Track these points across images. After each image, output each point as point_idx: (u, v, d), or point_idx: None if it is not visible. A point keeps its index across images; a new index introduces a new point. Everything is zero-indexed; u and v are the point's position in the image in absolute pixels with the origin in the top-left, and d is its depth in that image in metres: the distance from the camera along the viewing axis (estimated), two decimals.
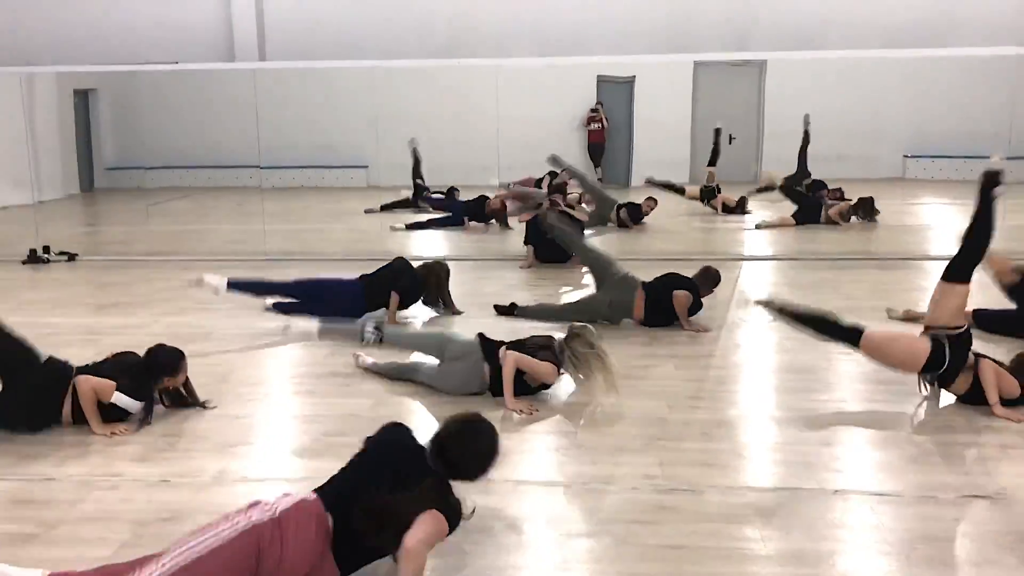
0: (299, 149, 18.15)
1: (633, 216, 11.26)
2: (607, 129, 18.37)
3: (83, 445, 4.44)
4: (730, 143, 18.14)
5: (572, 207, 9.56)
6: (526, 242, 9.21)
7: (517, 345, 5.05)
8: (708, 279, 6.74)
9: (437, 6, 9.45)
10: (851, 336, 4.86)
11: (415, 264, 7.09)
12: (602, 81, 18.04)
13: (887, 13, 12.93)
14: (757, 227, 12.24)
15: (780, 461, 4.25)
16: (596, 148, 18.24)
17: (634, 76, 18.04)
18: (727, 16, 12.37)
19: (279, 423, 4.83)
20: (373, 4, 9.50)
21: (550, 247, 9.16)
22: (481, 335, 5.25)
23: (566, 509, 3.77)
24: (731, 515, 3.66)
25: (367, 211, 14.30)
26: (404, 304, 6.86)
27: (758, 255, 10.25)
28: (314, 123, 18.08)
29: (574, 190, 11.63)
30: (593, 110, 18.28)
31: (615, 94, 18.27)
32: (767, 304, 5.31)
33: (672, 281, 6.64)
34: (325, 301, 6.60)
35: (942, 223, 12.29)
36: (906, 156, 17.54)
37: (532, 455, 4.35)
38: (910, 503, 3.77)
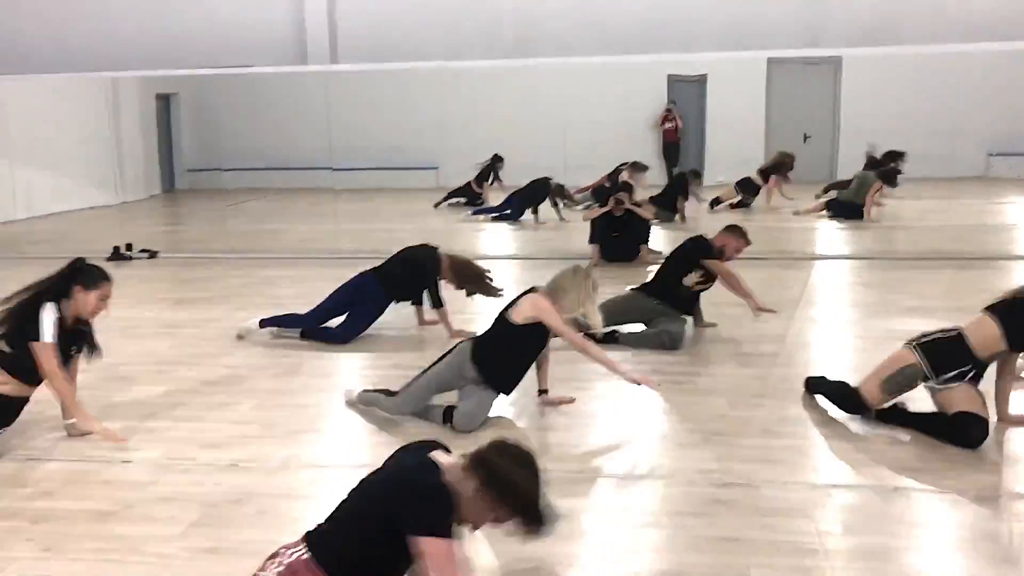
0: (371, 151, 18.47)
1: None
2: (680, 128, 18.24)
3: (158, 431, 4.64)
4: (804, 142, 17.89)
5: (639, 205, 9.53)
6: (591, 241, 9.24)
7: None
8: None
9: (504, 6, 9.53)
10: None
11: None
12: (673, 80, 17.96)
13: (964, 5, 12.56)
14: (795, 213, 12.74)
15: (841, 458, 4.21)
16: (671, 147, 18.13)
17: (706, 74, 17.89)
18: (798, 11, 12.16)
19: (344, 413, 4.96)
20: (440, 5, 9.63)
21: (616, 245, 9.19)
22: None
23: (621, 501, 3.80)
24: (788, 509, 3.64)
25: (436, 205, 14.55)
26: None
27: (829, 254, 10.10)
28: (385, 125, 18.38)
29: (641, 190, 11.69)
30: (667, 109, 18.18)
31: (687, 93, 18.15)
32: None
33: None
34: (353, 312, 6.39)
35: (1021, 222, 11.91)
36: (990, 154, 17.04)
37: (587, 448, 4.39)
38: (972, 501, 3.70)
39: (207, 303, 7.81)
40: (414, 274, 6.44)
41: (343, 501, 2.80)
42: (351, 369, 5.83)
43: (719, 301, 6.66)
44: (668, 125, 18.10)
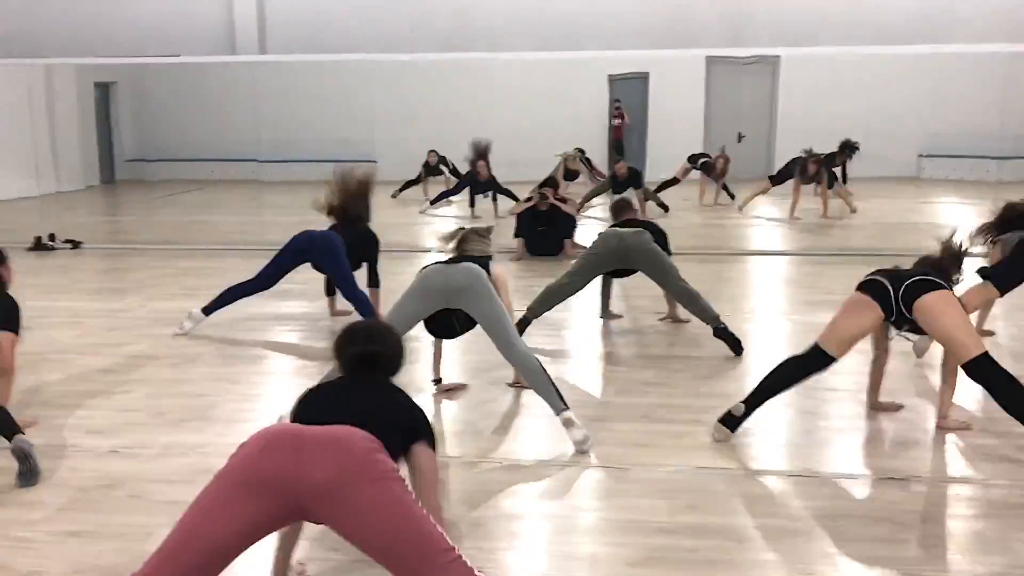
0: (311, 143, 18.37)
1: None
2: (627, 125, 18.36)
3: (45, 419, 4.63)
4: (739, 141, 18.15)
5: (564, 200, 9.63)
6: (516, 235, 9.32)
7: None
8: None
9: (437, 0, 9.60)
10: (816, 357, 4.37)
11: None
12: (614, 79, 18.10)
13: (881, 8, 12.90)
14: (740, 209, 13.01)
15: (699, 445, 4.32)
16: (618, 144, 18.28)
17: (648, 72, 18.05)
18: (727, 10, 12.39)
19: (234, 402, 4.98)
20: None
21: (541, 239, 9.29)
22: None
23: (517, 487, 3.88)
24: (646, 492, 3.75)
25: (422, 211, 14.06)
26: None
27: (750, 250, 10.29)
28: (326, 117, 18.30)
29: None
30: (615, 107, 18.24)
31: (629, 91, 18.30)
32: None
33: None
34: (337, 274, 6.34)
35: (942, 221, 12.09)
36: (921, 155, 17.42)
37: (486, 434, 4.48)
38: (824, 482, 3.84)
39: (120, 293, 7.78)
40: (360, 244, 6.47)
41: None
42: (250, 359, 5.84)
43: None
44: (616, 122, 18.23)
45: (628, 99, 18.33)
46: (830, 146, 17.41)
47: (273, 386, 5.37)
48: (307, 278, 6.80)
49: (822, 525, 3.44)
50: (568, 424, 4.17)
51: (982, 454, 4.13)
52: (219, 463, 2.51)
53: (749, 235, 11.57)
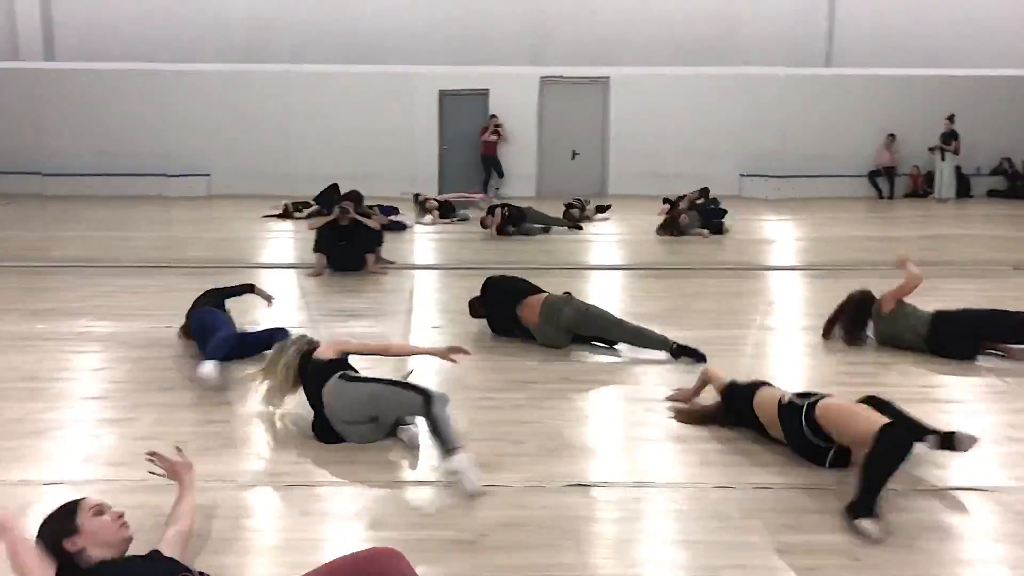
0: (131, 156, 17.63)
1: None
2: (503, 140, 18.20)
3: None
4: (572, 159, 18.53)
5: (368, 215, 9.49)
6: (316, 249, 9.13)
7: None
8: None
9: (235, 11, 9.33)
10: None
11: None
12: (445, 95, 18.10)
13: (675, 32, 13.46)
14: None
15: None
16: (488, 159, 18.24)
17: (487, 89, 18.17)
18: (523, 30, 12.63)
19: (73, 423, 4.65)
20: (168, 7, 9.31)
21: (343, 254, 9.10)
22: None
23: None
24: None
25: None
26: None
27: (605, 264, 10.36)
28: (148, 130, 17.58)
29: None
30: (494, 122, 18.12)
31: (465, 108, 18.33)
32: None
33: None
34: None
35: (764, 237, 12.53)
36: (742, 175, 18.16)
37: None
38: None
39: None
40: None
41: None
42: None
43: None
44: (492, 138, 18.12)
45: (466, 116, 18.36)
46: (659, 164, 18.03)
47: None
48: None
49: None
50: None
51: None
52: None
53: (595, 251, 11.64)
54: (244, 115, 17.47)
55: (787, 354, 6.34)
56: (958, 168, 17.86)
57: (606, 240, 12.14)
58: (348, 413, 4.35)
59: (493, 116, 18.00)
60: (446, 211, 13.73)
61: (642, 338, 6.00)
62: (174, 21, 10.31)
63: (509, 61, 15.25)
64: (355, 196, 9.44)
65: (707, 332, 6.56)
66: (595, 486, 3.97)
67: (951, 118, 17.44)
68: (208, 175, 17.66)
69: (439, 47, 14.10)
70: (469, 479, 3.87)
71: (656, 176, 17.58)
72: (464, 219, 13.69)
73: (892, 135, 18.03)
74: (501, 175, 18.08)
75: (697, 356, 5.81)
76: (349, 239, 9.14)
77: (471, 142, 18.11)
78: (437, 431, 4.04)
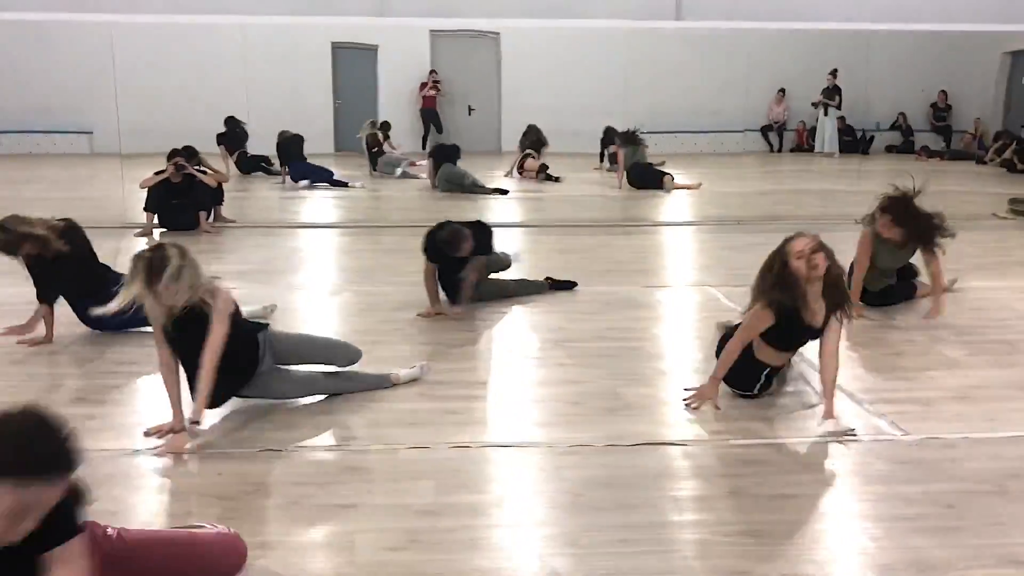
0: (13, 112, 17.12)
1: None
2: (442, 95, 18.00)
3: None
4: (469, 114, 18.39)
5: (204, 171, 9.24)
6: (146, 208, 8.91)
7: None
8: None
9: None
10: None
11: None
12: (337, 48, 17.81)
13: None
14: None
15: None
16: (428, 113, 18.05)
17: (377, 45, 17.92)
18: None
19: None
20: None
21: (175, 213, 8.92)
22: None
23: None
24: None
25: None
26: None
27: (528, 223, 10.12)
28: (27, 85, 17.06)
29: None
30: (430, 75, 17.93)
31: (355, 62, 18.07)
32: None
33: None
34: None
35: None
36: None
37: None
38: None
39: None
40: None
41: None
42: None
43: None
44: (431, 93, 17.90)
45: (357, 71, 18.11)
46: (549, 121, 17.90)
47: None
48: None
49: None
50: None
51: None
52: None
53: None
54: (124, 70, 16.98)
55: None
56: (843, 120, 18.07)
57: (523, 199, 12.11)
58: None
59: (433, 72, 17.82)
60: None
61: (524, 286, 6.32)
62: None
63: (400, 13, 15.13)
64: (190, 152, 9.21)
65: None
66: (669, 444, 3.83)
67: (834, 73, 17.61)
68: (91, 132, 17.21)
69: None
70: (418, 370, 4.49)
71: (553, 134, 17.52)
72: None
73: (782, 90, 18.19)
74: (440, 131, 17.85)
75: (569, 286, 6.42)
76: (182, 196, 8.95)
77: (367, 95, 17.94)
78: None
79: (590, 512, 3.24)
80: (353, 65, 18.05)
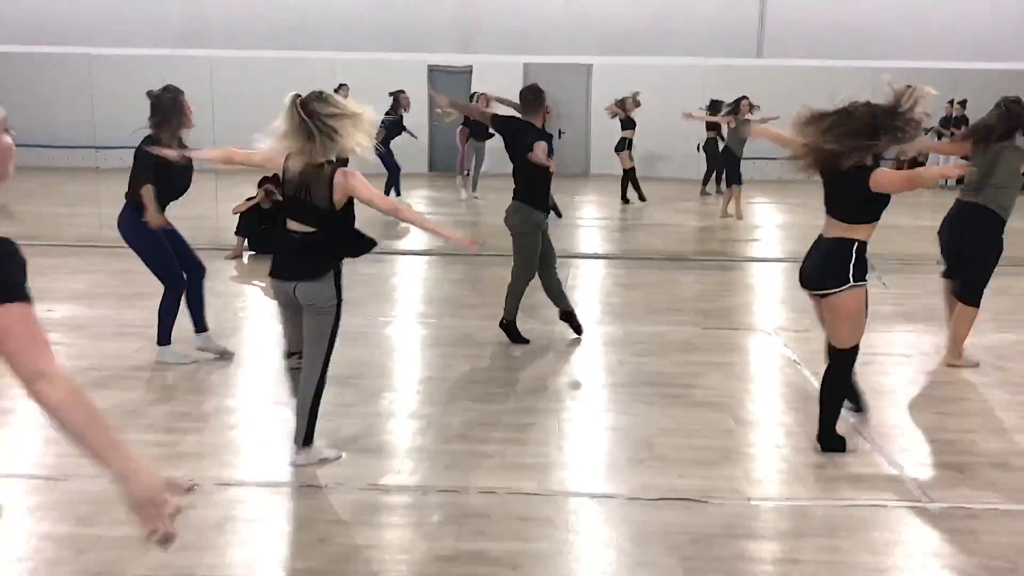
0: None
1: None
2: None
3: None
4: (559, 137, 18.60)
5: None
6: (238, 232, 9.36)
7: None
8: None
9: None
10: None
11: None
12: (433, 70, 18.27)
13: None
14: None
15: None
16: None
17: (471, 66, 18.32)
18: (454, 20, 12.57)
19: None
20: None
21: (264, 237, 9.30)
22: None
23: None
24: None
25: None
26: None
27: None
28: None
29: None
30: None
31: (451, 84, 18.49)
32: None
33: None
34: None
35: None
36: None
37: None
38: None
39: None
40: None
41: None
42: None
43: None
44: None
45: (452, 92, 18.47)
46: (636, 145, 17.91)
47: None
48: None
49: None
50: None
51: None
52: None
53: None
54: (221, 101, 17.56)
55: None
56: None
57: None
58: None
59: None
60: None
61: (554, 292, 6.42)
62: (106, 5, 10.39)
63: (437, 49, 15.48)
64: (277, 179, 9.58)
65: None
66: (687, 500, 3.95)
67: (963, 103, 17.07)
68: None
69: (369, 36, 14.32)
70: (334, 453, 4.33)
71: (640, 159, 17.61)
72: None
73: None
74: None
75: (576, 330, 6.43)
76: (272, 221, 9.35)
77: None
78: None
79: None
80: (449, 86, 18.46)
